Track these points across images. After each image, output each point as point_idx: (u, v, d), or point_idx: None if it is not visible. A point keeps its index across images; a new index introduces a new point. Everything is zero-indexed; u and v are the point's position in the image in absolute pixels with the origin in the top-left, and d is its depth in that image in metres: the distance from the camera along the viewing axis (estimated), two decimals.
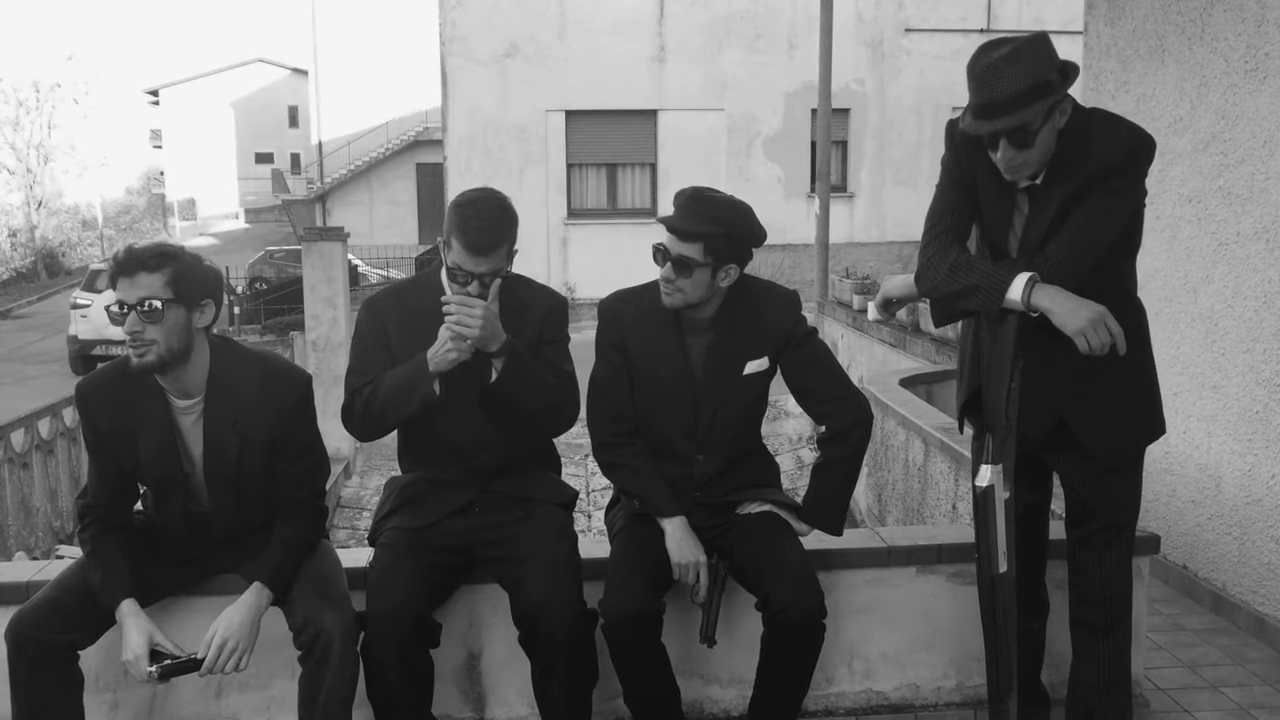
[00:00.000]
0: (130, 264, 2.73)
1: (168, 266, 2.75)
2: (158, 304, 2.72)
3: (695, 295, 3.02)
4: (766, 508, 3.16)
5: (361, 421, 3.07)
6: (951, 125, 2.91)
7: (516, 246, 3.02)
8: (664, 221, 3.01)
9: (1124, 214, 2.77)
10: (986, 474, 2.82)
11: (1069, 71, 2.66)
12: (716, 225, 2.95)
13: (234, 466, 2.90)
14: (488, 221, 2.92)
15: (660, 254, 3.01)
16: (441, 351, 2.90)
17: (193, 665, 2.78)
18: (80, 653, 2.87)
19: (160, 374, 2.82)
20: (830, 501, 3.17)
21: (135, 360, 2.75)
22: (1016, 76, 2.57)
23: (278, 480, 2.97)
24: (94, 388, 2.92)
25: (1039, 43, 2.63)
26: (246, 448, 2.89)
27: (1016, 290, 2.69)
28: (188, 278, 2.78)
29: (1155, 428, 3.02)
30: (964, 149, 2.85)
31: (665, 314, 3.12)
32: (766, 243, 3.09)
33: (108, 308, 2.79)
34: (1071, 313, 2.63)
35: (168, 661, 2.77)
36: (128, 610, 2.81)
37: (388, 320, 3.12)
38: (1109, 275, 2.82)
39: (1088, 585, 3.03)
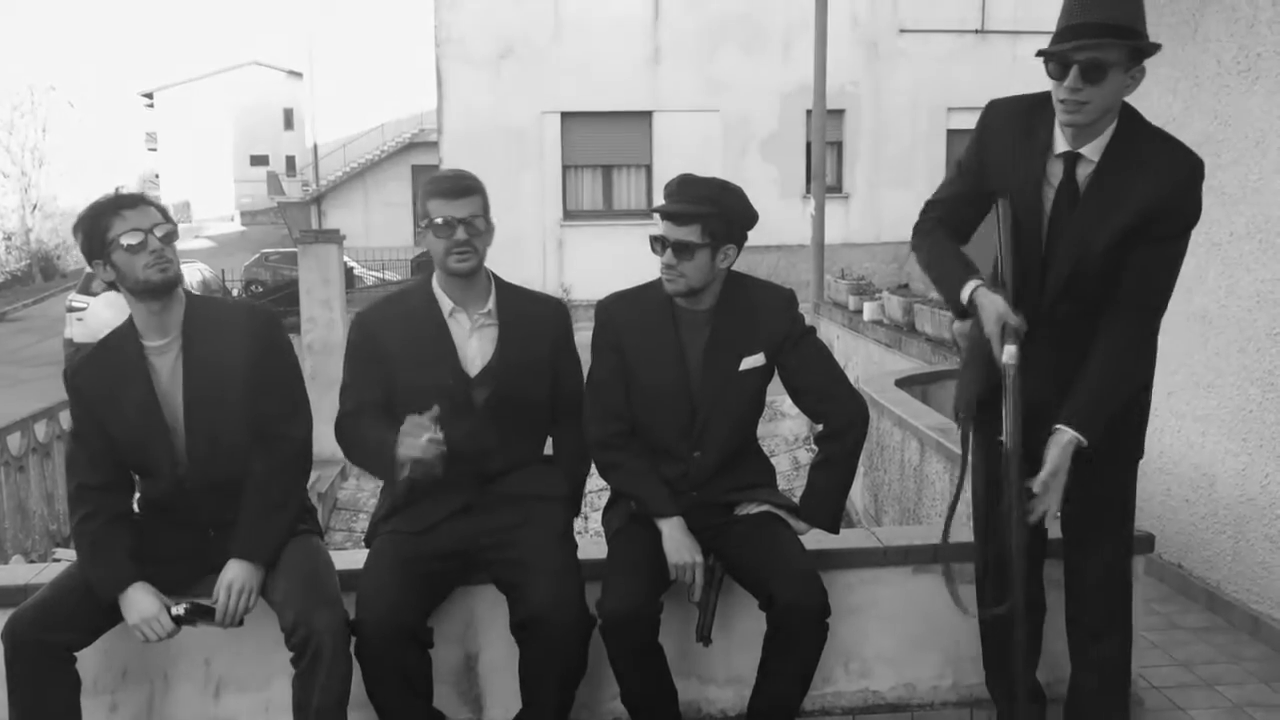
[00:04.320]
0: (136, 198, 2.99)
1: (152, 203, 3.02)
2: (171, 229, 2.98)
3: (698, 279, 3.05)
4: (764, 508, 3.17)
5: (347, 454, 3.21)
6: (990, 105, 2.94)
7: (494, 221, 3.18)
8: (658, 210, 3.06)
9: (1182, 253, 2.82)
10: (1012, 352, 2.81)
11: (1156, 46, 2.70)
12: (711, 205, 3.01)
13: (215, 404, 2.98)
14: (455, 172, 3.16)
15: (659, 242, 3.05)
16: (406, 462, 2.96)
17: (208, 612, 2.88)
18: (77, 655, 2.87)
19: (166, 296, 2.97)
20: (828, 499, 3.18)
21: (160, 277, 2.91)
22: (1111, 9, 2.62)
23: (257, 420, 3.02)
24: (80, 363, 3.06)
25: (1139, 1, 2.69)
26: (226, 379, 2.98)
27: (965, 292, 2.88)
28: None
29: (1133, 453, 3.01)
30: (1001, 126, 2.87)
31: (662, 312, 3.14)
32: (762, 244, 3.13)
33: (138, 230, 2.92)
34: (988, 316, 2.82)
35: (185, 605, 2.85)
36: (137, 587, 2.87)
37: (380, 334, 3.17)
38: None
39: (1080, 587, 3.05)
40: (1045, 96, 2.80)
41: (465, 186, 3.10)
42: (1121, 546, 3.04)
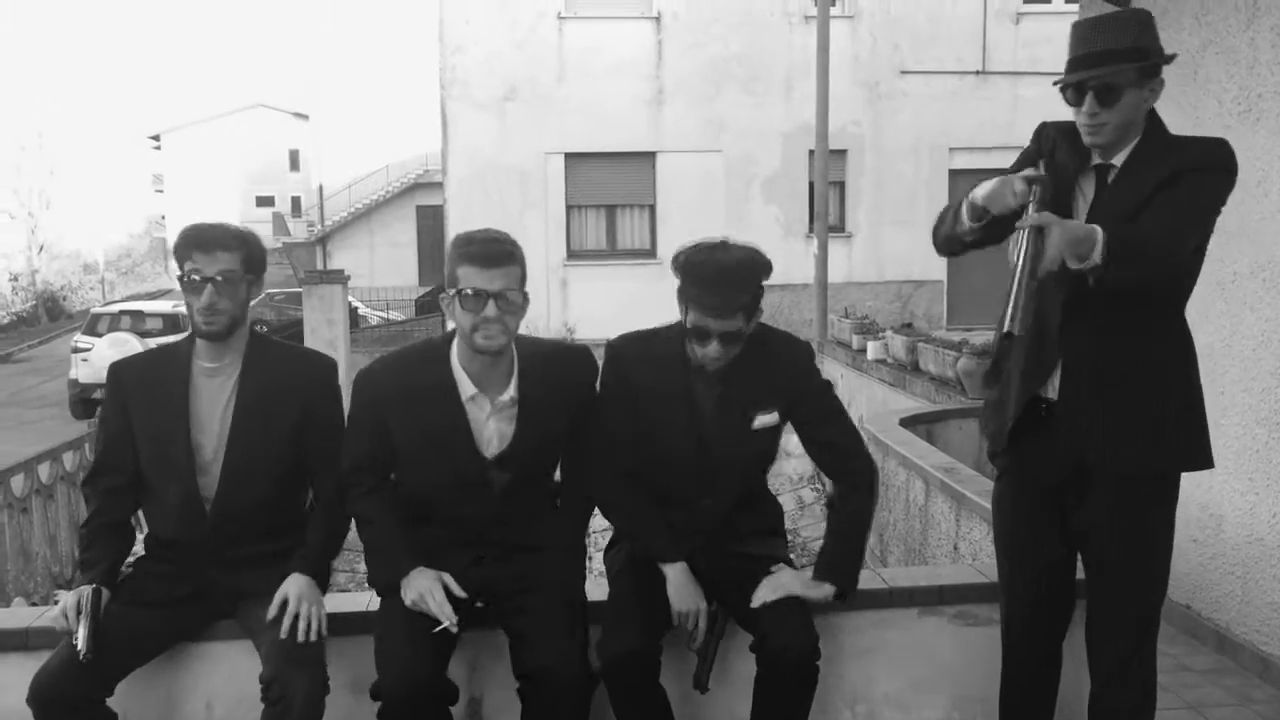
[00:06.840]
0: (211, 240, 2.96)
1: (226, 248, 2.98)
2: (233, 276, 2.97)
3: (736, 351, 2.98)
4: (781, 595, 3.01)
5: (357, 527, 3.19)
6: (1042, 125, 2.96)
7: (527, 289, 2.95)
8: (700, 307, 2.88)
9: (1208, 201, 2.72)
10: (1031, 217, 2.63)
11: (1169, 57, 2.75)
12: (748, 291, 2.91)
13: (258, 438, 3.01)
14: (492, 236, 2.90)
15: (698, 335, 2.91)
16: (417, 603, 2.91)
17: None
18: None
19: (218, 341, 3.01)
20: (854, 559, 3.15)
21: (204, 328, 2.96)
22: (1117, 35, 2.67)
23: (307, 459, 3.10)
24: (129, 358, 3.16)
25: (1146, 17, 2.74)
26: (273, 418, 3.04)
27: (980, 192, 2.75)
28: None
29: (1189, 453, 2.83)
30: (1053, 139, 2.88)
31: (674, 360, 3.07)
32: (765, 283, 3.05)
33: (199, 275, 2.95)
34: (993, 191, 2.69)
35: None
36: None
37: (389, 401, 3.01)
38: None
39: (1094, 630, 2.92)
40: None
41: (503, 254, 2.83)
42: (1141, 588, 2.86)
